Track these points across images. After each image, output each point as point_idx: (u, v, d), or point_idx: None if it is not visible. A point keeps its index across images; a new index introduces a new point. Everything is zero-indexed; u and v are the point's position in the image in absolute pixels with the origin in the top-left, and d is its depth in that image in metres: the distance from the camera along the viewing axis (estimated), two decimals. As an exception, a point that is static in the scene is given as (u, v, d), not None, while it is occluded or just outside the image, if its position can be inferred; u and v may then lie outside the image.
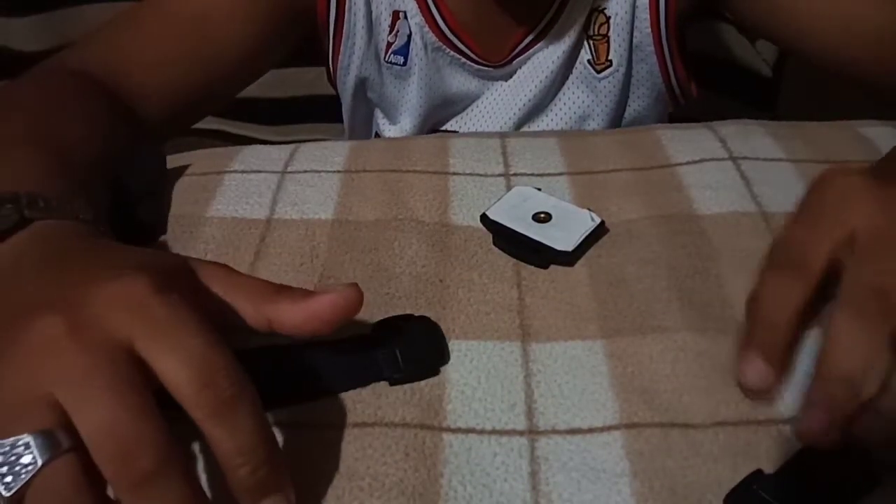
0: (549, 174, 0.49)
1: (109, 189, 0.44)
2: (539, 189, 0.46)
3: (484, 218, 0.44)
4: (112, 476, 0.25)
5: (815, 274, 0.29)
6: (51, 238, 0.34)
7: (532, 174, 0.49)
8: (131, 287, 0.28)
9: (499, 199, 0.45)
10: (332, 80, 0.71)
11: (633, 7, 0.63)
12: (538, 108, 0.67)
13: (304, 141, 0.53)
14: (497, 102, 0.67)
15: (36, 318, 0.27)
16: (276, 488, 0.28)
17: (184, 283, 0.31)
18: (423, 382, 0.36)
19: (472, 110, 0.68)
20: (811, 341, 0.28)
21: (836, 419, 0.26)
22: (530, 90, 0.65)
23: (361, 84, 0.70)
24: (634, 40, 0.64)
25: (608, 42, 0.64)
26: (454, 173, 0.49)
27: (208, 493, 0.29)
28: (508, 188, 0.47)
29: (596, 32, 0.64)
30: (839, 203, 0.31)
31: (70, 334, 0.27)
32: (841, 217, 0.31)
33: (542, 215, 0.44)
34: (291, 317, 0.32)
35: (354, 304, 0.33)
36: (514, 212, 0.44)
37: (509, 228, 0.43)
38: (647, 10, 0.62)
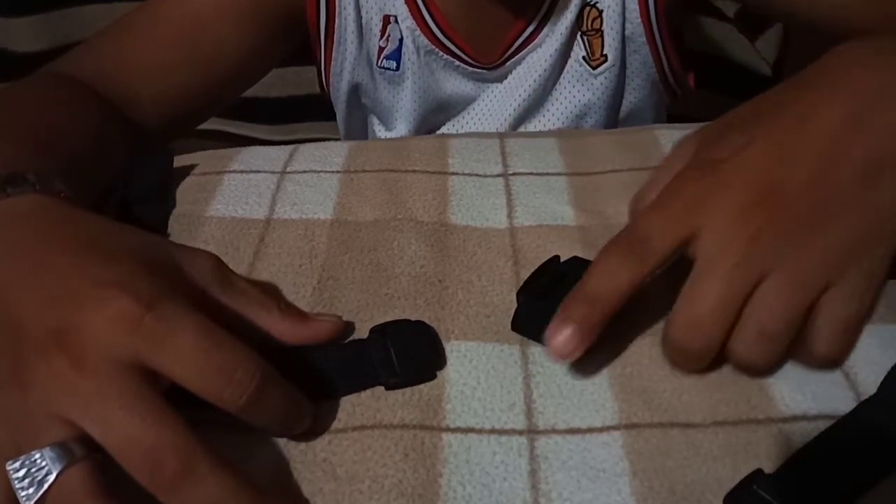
0: (547, 174, 0.49)
1: (102, 187, 0.44)
2: (583, 260, 0.39)
3: (520, 298, 0.38)
4: (147, 485, 0.27)
5: (654, 262, 0.32)
6: (26, 214, 0.33)
7: (531, 174, 0.49)
8: (121, 310, 0.29)
9: (537, 272, 0.39)
10: (325, 88, 0.71)
11: None
12: (534, 107, 0.67)
13: (304, 140, 0.53)
14: (492, 104, 0.67)
15: (36, 356, 0.28)
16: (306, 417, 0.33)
17: (170, 281, 0.31)
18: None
19: (468, 113, 0.68)
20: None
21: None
22: (525, 90, 0.65)
23: (355, 90, 0.69)
24: (626, 31, 0.64)
25: (602, 36, 0.63)
26: (453, 173, 0.49)
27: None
28: (507, 188, 0.47)
29: (589, 27, 0.64)
30: (694, 203, 0.34)
31: (74, 368, 0.28)
32: (691, 217, 0.33)
33: None
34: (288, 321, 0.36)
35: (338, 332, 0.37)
36: (552, 297, 0.35)
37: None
38: (637, 0, 0.62)
